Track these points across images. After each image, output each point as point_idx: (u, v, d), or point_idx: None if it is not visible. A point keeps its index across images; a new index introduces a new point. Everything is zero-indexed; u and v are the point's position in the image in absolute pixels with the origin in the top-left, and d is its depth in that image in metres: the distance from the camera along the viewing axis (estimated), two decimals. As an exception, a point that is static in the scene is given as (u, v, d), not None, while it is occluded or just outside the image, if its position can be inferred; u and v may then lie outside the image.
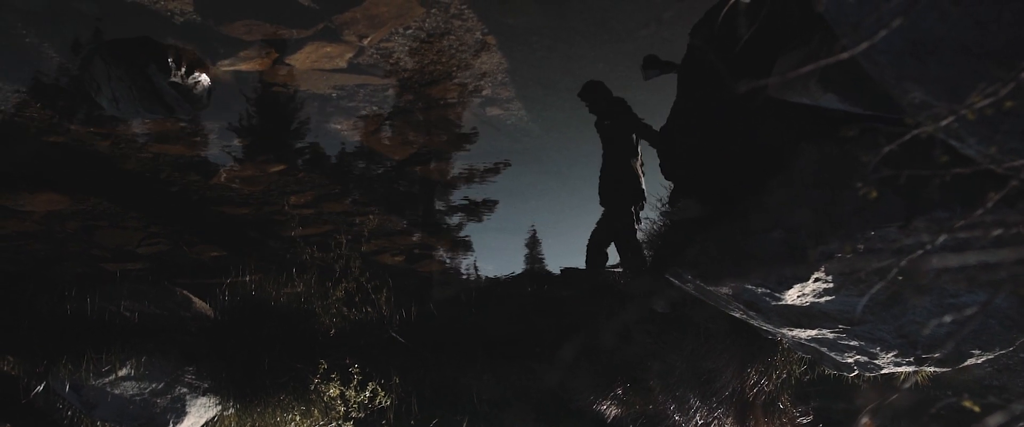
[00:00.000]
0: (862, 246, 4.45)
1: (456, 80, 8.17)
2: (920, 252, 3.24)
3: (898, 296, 4.82)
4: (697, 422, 7.39)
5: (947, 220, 4.14)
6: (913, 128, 2.66)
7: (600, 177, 8.59)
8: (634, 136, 8.38)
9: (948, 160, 3.24)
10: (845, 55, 2.47)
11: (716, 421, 7.35)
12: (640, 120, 8.21)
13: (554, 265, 9.70)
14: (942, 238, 3.48)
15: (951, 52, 3.37)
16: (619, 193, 8.47)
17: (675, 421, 7.50)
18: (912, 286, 4.46)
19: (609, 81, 7.94)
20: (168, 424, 7.57)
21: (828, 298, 5.09)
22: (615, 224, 8.56)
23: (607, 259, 8.79)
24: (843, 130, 3.63)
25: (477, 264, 10.99)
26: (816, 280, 4.92)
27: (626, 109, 8.26)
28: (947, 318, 4.54)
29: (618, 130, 8.34)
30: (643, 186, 8.47)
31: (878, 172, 3.33)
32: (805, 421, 7.68)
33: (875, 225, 4.37)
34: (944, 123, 2.78)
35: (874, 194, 3.07)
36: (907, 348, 5.45)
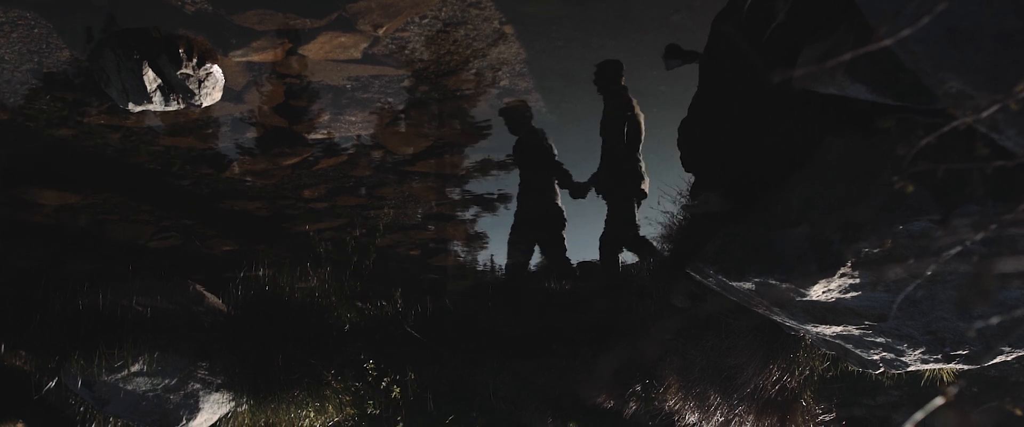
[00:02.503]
0: (890, 242, 4.32)
1: (473, 71, 8.09)
2: (958, 249, 3.12)
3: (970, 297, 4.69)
4: (717, 420, 7.29)
5: (978, 215, 4.01)
6: (952, 119, 2.53)
7: (523, 198, 9.18)
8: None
9: (989, 152, 3.12)
10: (886, 42, 2.33)
11: (737, 419, 7.24)
12: (554, 156, 8.99)
13: (572, 259, 9.62)
14: (981, 235, 3.36)
15: (991, 40, 3.23)
16: (541, 212, 9.05)
17: (695, 418, 7.41)
18: (976, 289, 4.32)
19: (629, 71, 7.88)
20: (181, 420, 7.52)
21: (855, 294, 4.96)
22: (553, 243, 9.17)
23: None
24: (880, 121, 3.51)
25: (494, 258, 10.94)
26: (842, 276, 4.80)
27: (544, 139, 8.95)
28: (994, 319, 4.40)
29: (536, 157, 8.93)
30: (562, 211, 9.11)
31: (914, 165, 3.21)
32: (828, 419, 7.57)
33: (905, 220, 4.24)
34: (986, 114, 2.65)
35: (910, 188, 2.95)
36: (935, 345, 5.33)
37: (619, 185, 8.41)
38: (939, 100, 3.68)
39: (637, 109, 8.26)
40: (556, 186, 9.06)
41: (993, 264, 3.10)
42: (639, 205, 8.52)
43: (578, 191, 8.89)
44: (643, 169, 8.44)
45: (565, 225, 9.14)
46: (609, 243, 8.53)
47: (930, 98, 3.95)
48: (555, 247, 9.12)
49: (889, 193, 4.18)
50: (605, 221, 8.58)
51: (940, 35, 3.32)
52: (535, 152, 8.93)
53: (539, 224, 9.08)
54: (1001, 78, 3.17)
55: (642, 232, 8.47)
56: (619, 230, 8.50)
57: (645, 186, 8.48)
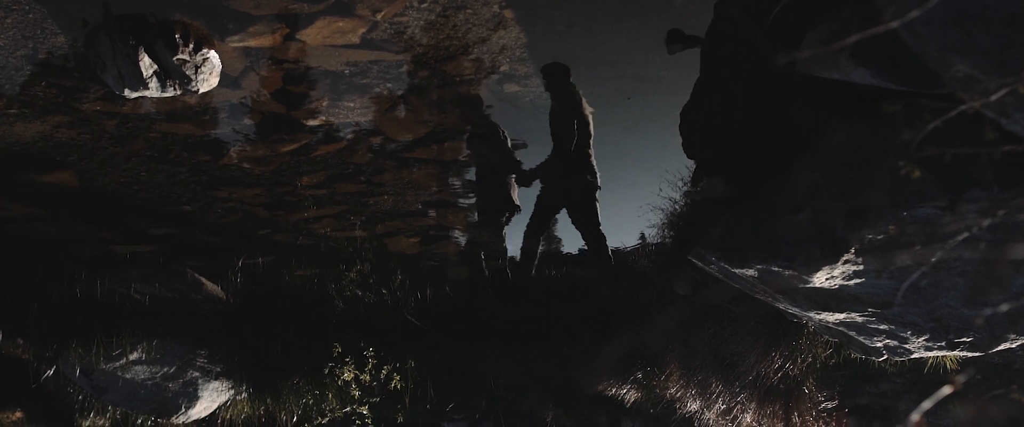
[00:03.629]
0: (896, 228, 4.27)
1: (473, 56, 8.04)
2: (964, 235, 3.06)
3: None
4: (719, 407, 7.26)
5: (985, 200, 3.95)
6: (959, 103, 2.47)
7: (480, 188, 9.66)
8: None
9: (997, 137, 3.06)
10: (893, 25, 2.27)
11: (739, 406, 7.21)
12: (508, 147, 9.37)
13: (572, 246, 9.63)
14: (988, 221, 3.30)
15: (999, 22, 3.16)
16: (497, 202, 9.42)
17: (697, 406, 7.38)
18: (990, 277, 4.27)
19: (631, 56, 7.84)
20: (180, 408, 7.51)
21: (858, 281, 4.91)
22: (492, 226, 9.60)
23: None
24: (886, 106, 3.45)
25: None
26: (845, 263, 4.75)
27: (499, 130, 9.31)
28: (1004, 306, 4.35)
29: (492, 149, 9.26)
30: (514, 198, 9.47)
31: (920, 150, 3.16)
32: (831, 406, 7.54)
33: (910, 206, 4.18)
34: (994, 98, 2.59)
35: (916, 174, 2.89)
36: (939, 332, 5.29)
37: (572, 179, 8.74)
38: (946, 84, 3.62)
39: (586, 106, 8.59)
40: (512, 179, 9.40)
41: (1006, 251, 3.05)
42: (597, 197, 8.84)
43: (524, 178, 9.26)
44: (594, 163, 8.77)
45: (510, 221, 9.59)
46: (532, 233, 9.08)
47: (936, 82, 3.89)
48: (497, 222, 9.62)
49: (894, 179, 4.12)
50: (532, 214, 9.10)
51: (947, 17, 3.25)
52: (491, 144, 9.20)
53: (499, 213, 9.46)
54: (1010, 61, 3.11)
55: (641, 228, 8.63)
56: (588, 227, 8.82)
57: (597, 179, 8.79)
